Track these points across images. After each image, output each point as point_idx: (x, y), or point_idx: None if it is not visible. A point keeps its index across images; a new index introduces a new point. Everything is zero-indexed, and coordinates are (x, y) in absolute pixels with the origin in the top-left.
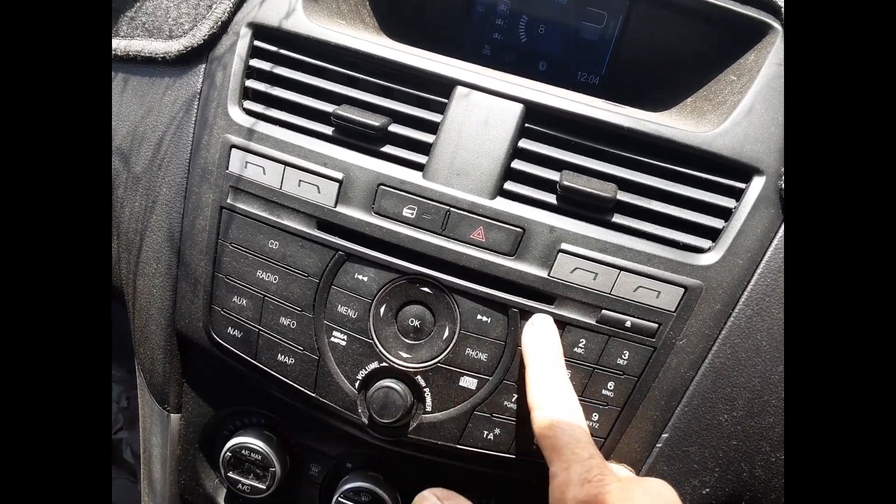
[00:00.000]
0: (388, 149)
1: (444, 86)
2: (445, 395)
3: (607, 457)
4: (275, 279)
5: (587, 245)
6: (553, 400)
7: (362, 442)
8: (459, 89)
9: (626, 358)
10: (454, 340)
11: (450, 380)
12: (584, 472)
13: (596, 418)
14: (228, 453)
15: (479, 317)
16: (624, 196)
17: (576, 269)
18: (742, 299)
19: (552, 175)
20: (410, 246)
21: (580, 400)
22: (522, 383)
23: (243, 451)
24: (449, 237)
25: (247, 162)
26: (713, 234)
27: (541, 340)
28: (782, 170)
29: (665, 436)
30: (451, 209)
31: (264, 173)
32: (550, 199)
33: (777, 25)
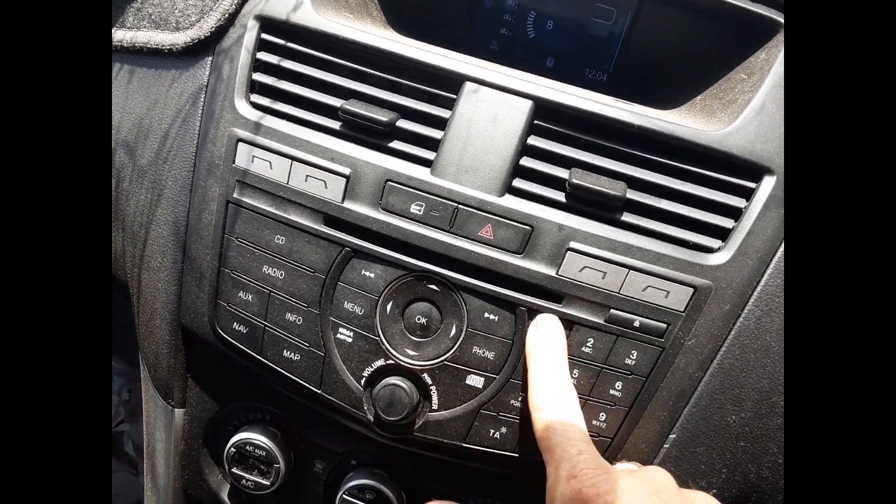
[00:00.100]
0: (395, 144)
1: (453, 81)
2: (452, 394)
3: (614, 457)
4: (281, 275)
5: (596, 244)
6: (552, 402)
7: (367, 439)
8: (468, 85)
9: (635, 358)
10: (461, 338)
11: (456, 378)
12: (571, 468)
13: (603, 418)
14: (233, 449)
15: (486, 315)
16: (633, 194)
17: (584, 267)
18: (751, 300)
19: (561, 173)
20: (418, 243)
21: (588, 400)
22: (528, 383)
23: (248, 447)
24: (457, 234)
25: (253, 156)
26: (723, 234)
27: (545, 342)
28: None
29: (672, 436)
30: (460, 206)
31: (271, 168)
32: (559, 196)
33: None
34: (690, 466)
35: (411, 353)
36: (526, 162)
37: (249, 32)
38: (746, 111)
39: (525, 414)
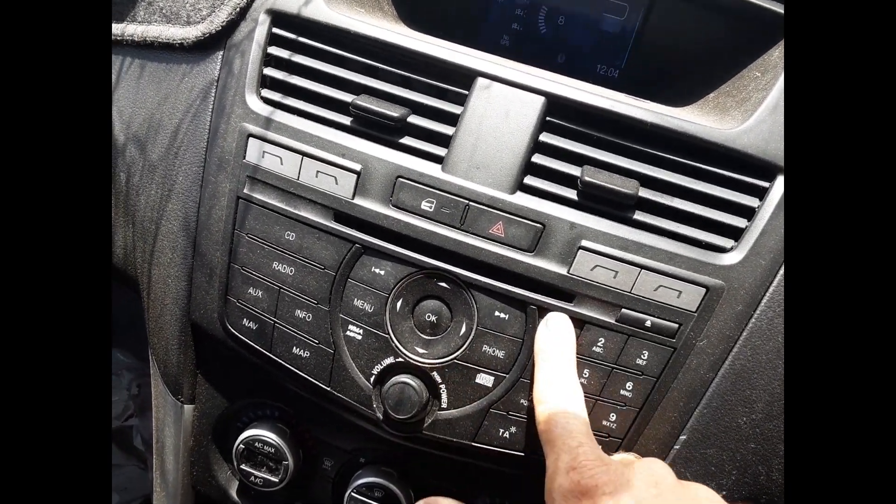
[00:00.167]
0: (406, 140)
1: (465, 77)
2: (461, 392)
3: None
4: (291, 271)
5: (608, 242)
6: (555, 396)
7: (376, 437)
8: (480, 81)
9: (646, 358)
10: (471, 337)
11: (466, 376)
12: (571, 460)
13: (613, 419)
14: (242, 445)
15: (496, 313)
16: (646, 193)
17: (596, 266)
18: (764, 300)
19: (573, 170)
20: (428, 240)
21: (598, 400)
22: (534, 379)
23: (256, 444)
24: (467, 232)
25: (264, 151)
26: (736, 234)
27: (553, 339)
28: None
29: (683, 437)
30: (471, 203)
31: (282, 163)
32: (571, 194)
33: None
34: (700, 468)
35: (421, 350)
36: (538, 159)
37: (260, 27)
38: (760, 109)
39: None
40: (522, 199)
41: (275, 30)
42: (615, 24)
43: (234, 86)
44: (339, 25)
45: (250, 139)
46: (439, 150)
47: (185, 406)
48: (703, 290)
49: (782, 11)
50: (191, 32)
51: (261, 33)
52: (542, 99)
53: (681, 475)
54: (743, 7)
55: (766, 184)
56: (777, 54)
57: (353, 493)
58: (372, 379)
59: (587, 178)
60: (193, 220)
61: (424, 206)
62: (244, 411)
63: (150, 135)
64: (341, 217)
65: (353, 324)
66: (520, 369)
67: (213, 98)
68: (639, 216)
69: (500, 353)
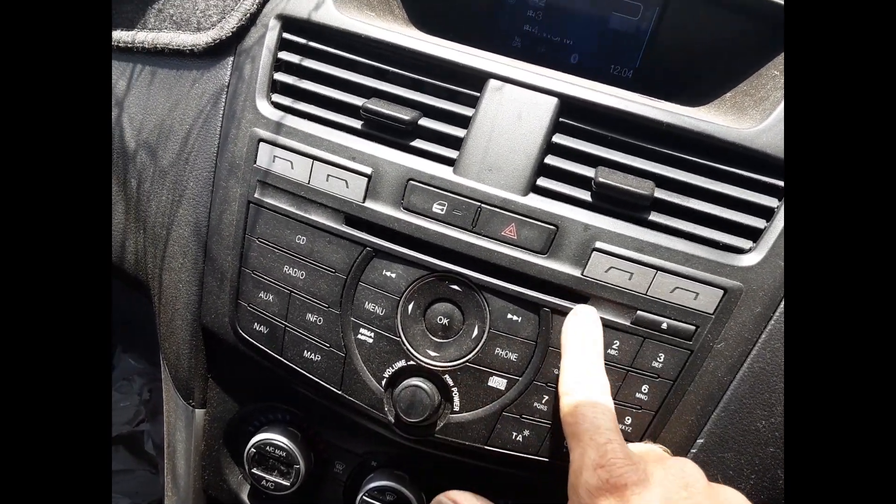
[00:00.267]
0: (418, 143)
1: (477, 79)
2: (474, 395)
3: None
4: (302, 275)
5: (623, 244)
6: (582, 387)
7: (388, 440)
8: (492, 82)
9: (662, 361)
10: (483, 339)
11: (478, 379)
12: (598, 457)
13: (629, 422)
14: (253, 449)
15: (509, 316)
16: (661, 194)
17: (611, 268)
18: (783, 302)
19: (587, 171)
20: (440, 242)
21: (613, 402)
22: (553, 384)
23: (268, 448)
24: (479, 234)
25: (275, 156)
26: (754, 235)
27: (583, 331)
28: None
29: (700, 441)
30: (483, 205)
31: (292, 167)
32: (585, 196)
33: None
34: (718, 472)
35: (433, 353)
36: (551, 160)
37: (271, 32)
38: (779, 108)
39: (549, 416)
40: (535, 201)
41: (285, 35)
42: (629, 24)
43: (245, 91)
44: (350, 29)
45: (261, 144)
46: (451, 153)
47: (197, 410)
48: (721, 291)
49: None
50: (201, 38)
51: (271, 38)
52: (554, 100)
53: None
54: (759, 5)
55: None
56: None
57: (364, 497)
58: (383, 382)
59: (601, 179)
60: (204, 225)
61: (436, 208)
62: (255, 415)
63: (160, 141)
64: (352, 220)
65: (365, 327)
66: (533, 372)
67: (223, 103)
68: (654, 217)
69: (513, 356)
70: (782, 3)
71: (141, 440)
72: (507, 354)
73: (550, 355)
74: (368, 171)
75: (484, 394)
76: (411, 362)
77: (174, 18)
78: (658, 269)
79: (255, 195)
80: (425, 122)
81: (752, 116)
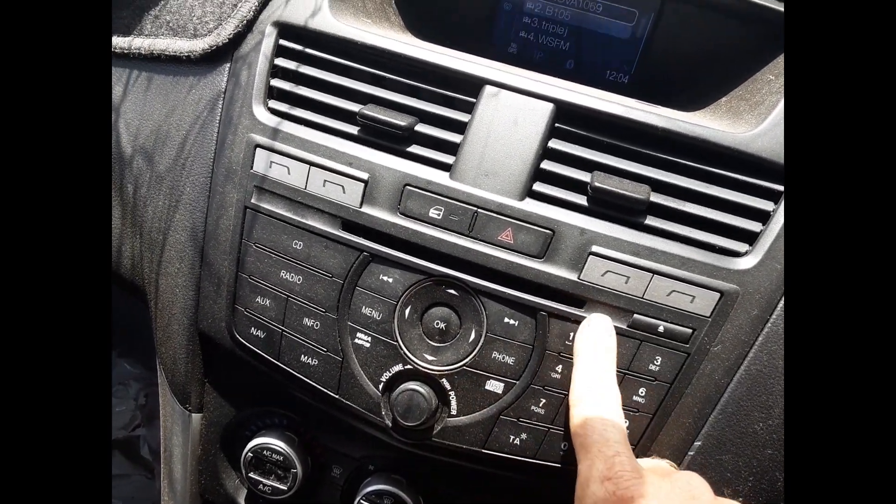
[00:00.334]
0: (414, 149)
1: (473, 85)
2: (471, 399)
3: None
4: (299, 280)
5: (619, 248)
6: (593, 399)
7: (385, 444)
8: (488, 88)
9: (659, 364)
10: (480, 343)
11: (475, 383)
12: (606, 470)
13: (626, 425)
14: (250, 454)
15: (506, 320)
16: (657, 198)
17: (607, 272)
18: (780, 305)
19: (583, 176)
20: (436, 247)
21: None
22: (550, 388)
23: (265, 452)
24: (476, 238)
25: (271, 161)
26: (750, 238)
27: (595, 341)
28: None
29: (698, 444)
30: (479, 210)
31: (289, 173)
32: (581, 200)
33: None
34: (716, 474)
35: (430, 357)
36: (547, 165)
37: (267, 39)
38: (775, 113)
39: (546, 420)
40: (531, 206)
41: (282, 41)
42: (625, 30)
43: (242, 97)
44: (346, 36)
45: (258, 149)
46: (447, 158)
47: (193, 415)
48: (718, 294)
49: None
50: (198, 45)
51: (268, 45)
52: (550, 105)
53: None
54: (754, 10)
55: (781, 187)
56: None
57: (362, 501)
58: (381, 386)
59: (597, 184)
60: (201, 231)
61: (432, 213)
62: (252, 420)
63: (157, 146)
64: (349, 226)
65: (362, 331)
66: (530, 375)
67: (220, 109)
68: (650, 221)
69: (510, 360)
70: (777, 8)
71: (137, 445)
72: (504, 358)
73: (547, 359)
74: (365, 176)
75: (481, 397)
76: (408, 366)
77: (171, 25)
78: (654, 272)
79: (252, 200)
80: (422, 127)
81: (748, 121)
